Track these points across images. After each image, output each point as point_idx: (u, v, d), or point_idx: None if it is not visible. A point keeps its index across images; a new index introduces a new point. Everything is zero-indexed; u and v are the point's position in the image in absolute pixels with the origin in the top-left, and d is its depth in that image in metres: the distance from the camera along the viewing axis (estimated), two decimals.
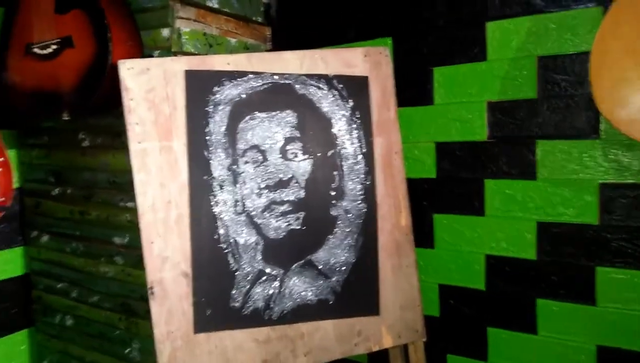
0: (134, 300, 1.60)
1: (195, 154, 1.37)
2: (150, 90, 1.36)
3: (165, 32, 1.45)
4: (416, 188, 1.57)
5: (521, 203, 1.40)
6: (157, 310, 1.34)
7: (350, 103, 1.49)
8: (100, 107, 1.49)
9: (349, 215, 1.47)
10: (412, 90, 1.55)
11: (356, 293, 1.48)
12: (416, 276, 1.55)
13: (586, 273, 1.35)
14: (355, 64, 1.52)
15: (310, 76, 1.47)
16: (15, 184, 1.86)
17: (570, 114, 1.33)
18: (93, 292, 1.71)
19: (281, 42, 1.78)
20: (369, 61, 1.53)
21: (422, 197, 1.56)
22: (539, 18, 1.34)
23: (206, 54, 1.52)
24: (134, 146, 1.34)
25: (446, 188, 1.52)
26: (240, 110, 1.41)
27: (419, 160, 1.56)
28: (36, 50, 1.48)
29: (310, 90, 1.46)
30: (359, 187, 1.49)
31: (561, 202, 1.35)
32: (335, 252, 1.46)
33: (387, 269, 1.51)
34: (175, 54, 1.45)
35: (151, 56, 1.49)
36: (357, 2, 1.65)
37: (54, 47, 1.45)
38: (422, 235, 1.57)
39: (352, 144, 1.49)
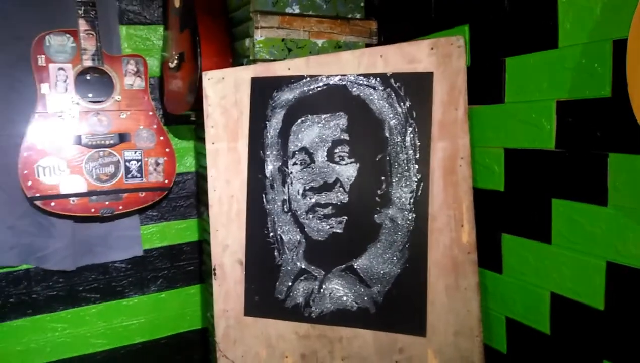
0: None
1: (253, 154, 1.50)
2: (223, 97, 1.54)
3: (248, 41, 1.60)
4: (483, 201, 1.31)
5: (589, 234, 1.05)
6: (217, 289, 1.54)
7: (407, 103, 1.37)
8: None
9: (395, 224, 1.37)
10: (484, 85, 1.29)
11: (399, 307, 1.38)
12: (477, 301, 1.34)
13: None
14: (419, 59, 1.38)
15: (366, 76, 1.41)
16: (193, 168, 2.31)
17: None
18: None
19: (388, 35, 1.71)
20: (436, 54, 1.37)
21: (489, 212, 1.30)
22: None
23: (284, 59, 1.61)
24: (208, 146, 1.55)
25: (515, 204, 1.24)
26: (294, 113, 1.46)
27: (488, 168, 1.30)
28: (170, 64, 1.82)
29: (365, 90, 1.40)
30: (409, 195, 1.37)
31: (635, 239, 0.95)
32: (377, 261, 1.39)
33: (440, 288, 1.36)
34: (253, 61, 1.59)
35: (241, 64, 1.66)
36: None
37: (176, 61, 1.77)
38: (489, 256, 1.32)
39: (405, 148, 1.37)
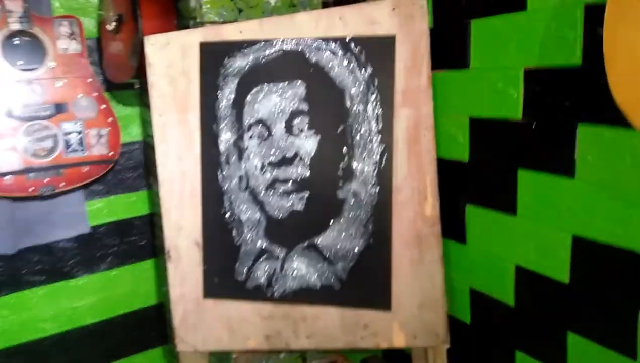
0: None
1: (205, 127, 1.39)
2: (170, 64, 1.41)
3: (192, 2, 1.46)
4: (447, 172, 1.27)
5: (556, 207, 1.02)
6: (173, 272, 1.46)
7: (369, 69, 1.29)
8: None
9: (358, 199, 1.32)
10: (448, 49, 1.23)
11: (364, 283, 1.34)
12: (441, 274, 1.32)
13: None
14: (380, 21, 1.29)
15: (325, 40, 1.31)
16: (139, 137, 2.16)
17: None
18: None
19: None
20: (397, 15, 1.28)
21: (453, 182, 1.26)
22: None
23: (235, 20, 1.48)
24: (155, 119, 1.43)
25: (480, 174, 1.20)
26: (248, 82, 1.36)
27: (452, 138, 1.26)
28: (107, 26, 1.65)
29: (324, 56, 1.31)
30: (372, 168, 1.31)
31: (603, 214, 0.94)
32: (341, 237, 1.34)
33: (404, 262, 1.33)
34: (201, 24, 1.45)
35: (187, 26, 1.52)
36: None
37: (115, 23, 1.60)
38: (453, 226, 1.29)
39: (367, 118, 1.30)
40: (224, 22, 1.47)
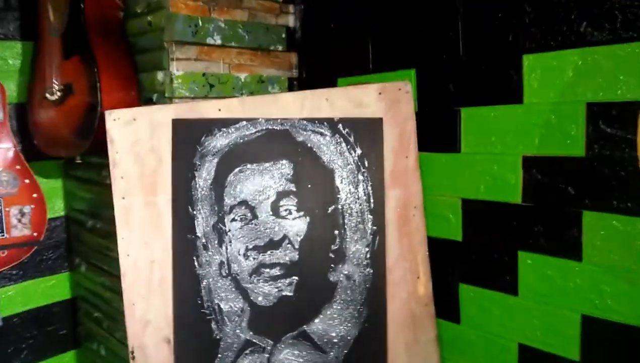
0: None
1: (179, 210, 1.27)
2: (135, 142, 1.28)
3: (160, 75, 1.36)
4: (439, 251, 1.29)
5: (562, 288, 1.08)
6: None
7: (358, 151, 1.28)
8: (102, 150, 1.45)
9: (351, 282, 1.27)
10: (438, 133, 1.27)
11: None
12: (437, 354, 1.31)
13: None
14: (367, 104, 1.30)
15: (311, 120, 1.28)
16: (62, 212, 1.92)
17: (627, 182, 0.98)
18: (118, 328, 1.71)
19: (307, 70, 1.60)
20: (384, 99, 1.30)
21: (446, 262, 1.29)
22: (588, 52, 1.00)
23: (206, 96, 1.40)
24: (117, 201, 1.28)
25: (473, 255, 1.24)
26: (229, 162, 1.27)
27: (443, 218, 1.29)
28: (47, 95, 1.47)
29: (311, 136, 1.28)
30: (365, 249, 1.28)
31: (612, 294, 1.01)
32: (334, 323, 1.27)
33: (399, 345, 1.29)
34: (170, 99, 1.35)
35: (150, 100, 1.41)
36: (379, 26, 1.40)
37: (59, 93, 1.43)
38: (446, 305, 1.30)
39: (358, 198, 1.27)
40: (194, 98, 1.38)
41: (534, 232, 1.13)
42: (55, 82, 1.45)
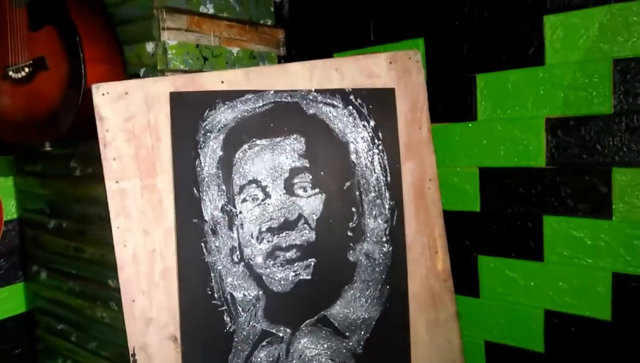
0: None
1: (182, 192, 1.15)
2: (129, 118, 1.14)
3: (150, 46, 1.23)
4: (456, 224, 1.27)
5: (592, 249, 1.09)
6: None
7: (372, 122, 1.22)
8: (82, 133, 1.29)
9: (371, 261, 1.21)
10: (450, 102, 1.25)
11: (382, 355, 1.21)
12: (457, 331, 1.27)
13: None
14: (378, 74, 1.25)
15: (322, 92, 1.21)
16: (14, 215, 1.71)
17: None
18: (91, 338, 1.53)
19: (297, 47, 1.53)
20: (395, 69, 1.25)
21: (463, 235, 1.26)
22: (615, 9, 1.01)
23: (200, 70, 1.29)
24: (110, 186, 1.13)
25: (493, 224, 1.22)
26: (237, 138, 1.17)
27: (459, 189, 1.26)
28: (11, 73, 1.29)
29: (322, 109, 1.20)
30: (384, 225, 1.22)
31: None
32: (355, 306, 1.20)
33: (421, 325, 1.24)
34: (162, 72, 1.23)
35: (137, 76, 1.28)
36: None
37: (27, 70, 1.26)
38: (465, 280, 1.28)
39: (374, 172, 1.22)
40: (188, 72, 1.26)
41: (559, 195, 1.13)
42: (21, 58, 1.28)
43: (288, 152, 1.18)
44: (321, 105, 1.20)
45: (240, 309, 1.15)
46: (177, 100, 1.16)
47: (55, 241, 1.59)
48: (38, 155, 1.60)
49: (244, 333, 1.15)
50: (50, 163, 1.57)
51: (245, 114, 1.17)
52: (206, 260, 1.15)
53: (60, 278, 1.60)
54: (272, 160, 1.17)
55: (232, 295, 1.15)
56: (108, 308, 1.45)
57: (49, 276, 1.64)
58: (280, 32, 1.53)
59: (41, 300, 1.70)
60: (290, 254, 1.17)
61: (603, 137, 1.07)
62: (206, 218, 1.15)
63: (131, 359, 1.12)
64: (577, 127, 1.10)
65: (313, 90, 1.20)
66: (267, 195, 1.17)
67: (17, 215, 1.71)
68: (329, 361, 1.19)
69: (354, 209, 1.20)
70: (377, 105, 1.23)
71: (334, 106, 1.21)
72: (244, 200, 1.16)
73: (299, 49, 1.52)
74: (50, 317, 1.67)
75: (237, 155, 1.16)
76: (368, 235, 1.21)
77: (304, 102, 1.20)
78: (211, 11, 1.29)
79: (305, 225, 1.18)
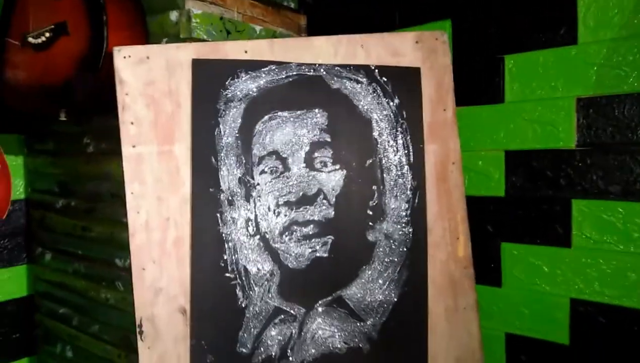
0: (135, 335, 1.35)
1: (200, 160, 1.12)
2: (149, 83, 1.12)
3: (174, 15, 1.22)
4: (479, 210, 1.23)
5: (624, 233, 1.05)
6: (146, 354, 1.08)
7: (396, 100, 1.20)
8: (98, 104, 1.27)
9: (390, 241, 1.17)
10: (476, 84, 1.23)
11: (397, 341, 1.16)
12: (477, 322, 1.22)
13: None
14: (404, 52, 1.23)
15: (346, 67, 1.19)
16: (22, 195, 1.67)
17: None
18: (94, 321, 1.47)
19: (318, 33, 1.51)
20: (421, 49, 1.24)
21: (486, 221, 1.22)
22: None
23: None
24: (127, 150, 1.10)
25: (519, 210, 1.18)
26: (258, 108, 1.14)
27: (483, 174, 1.23)
28: (30, 39, 1.28)
29: (346, 84, 1.18)
30: (405, 205, 1.18)
31: None
32: (372, 288, 1.15)
33: (439, 312, 1.19)
34: (185, 41, 1.21)
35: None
36: None
37: (48, 34, 1.25)
38: (486, 269, 1.23)
39: (397, 151, 1.18)
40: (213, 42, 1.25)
41: (590, 177, 1.09)
42: (41, 23, 1.26)
43: (310, 125, 1.15)
44: (345, 80, 1.18)
45: (253, 283, 1.11)
46: (199, 67, 1.13)
47: (62, 221, 1.55)
48: (50, 134, 1.58)
49: (256, 309, 1.11)
50: (62, 140, 1.54)
51: (268, 84, 1.15)
52: (221, 231, 1.11)
53: (66, 260, 1.55)
54: (293, 133, 1.14)
55: (245, 269, 1.11)
56: (114, 289, 1.40)
57: (54, 257, 1.60)
58: (302, 17, 1.52)
59: (43, 283, 1.65)
60: (308, 230, 1.13)
61: (638, 115, 1.04)
62: (223, 188, 1.11)
63: (137, 330, 1.08)
64: (610, 106, 1.07)
65: (337, 65, 1.18)
66: (286, 168, 1.13)
67: (25, 196, 1.68)
68: (343, 344, 1.14)
69: (374, 187, 1.17)
70: (401, 83, 1.21)
71: (358, 81, 1.18)
72: (263, 171, 1.13)
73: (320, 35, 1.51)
74: (51, 300, 1.62)
75: (257, 126, 1.14)
76: (388, 215, 1.17)
77: (328, 75, 1.18)
78: None
79: (325, 200, 1.14)
